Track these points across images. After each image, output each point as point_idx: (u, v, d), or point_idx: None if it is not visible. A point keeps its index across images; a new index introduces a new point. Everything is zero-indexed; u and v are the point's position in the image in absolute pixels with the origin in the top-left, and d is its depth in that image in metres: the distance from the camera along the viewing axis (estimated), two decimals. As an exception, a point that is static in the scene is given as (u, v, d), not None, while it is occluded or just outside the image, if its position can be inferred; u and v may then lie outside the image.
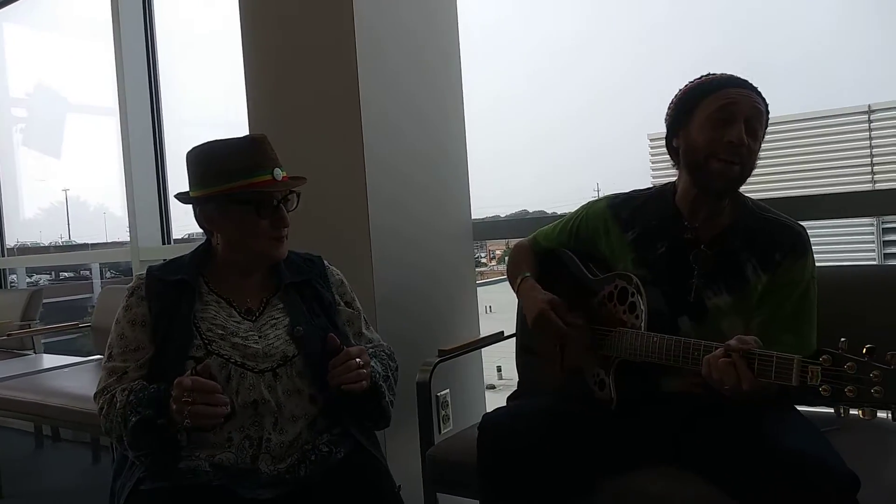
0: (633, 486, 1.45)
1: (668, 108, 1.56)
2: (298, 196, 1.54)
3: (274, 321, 1.49)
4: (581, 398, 1.56)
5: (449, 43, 2.46)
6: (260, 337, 1.45)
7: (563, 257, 1.75)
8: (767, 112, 1.46)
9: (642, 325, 1.44)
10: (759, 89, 1.46)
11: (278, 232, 1.48)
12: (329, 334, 1.43)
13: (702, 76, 1.51)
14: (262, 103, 2.32)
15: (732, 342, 1.24)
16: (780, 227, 1.47)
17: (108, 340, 1.48)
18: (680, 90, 1.54)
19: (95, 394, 1.44)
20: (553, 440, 1.43)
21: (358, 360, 1.40)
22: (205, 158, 1.47)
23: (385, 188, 2.13)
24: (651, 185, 1.69)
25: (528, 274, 1.73)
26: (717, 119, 1.43)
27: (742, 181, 1.46)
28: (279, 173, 1.45)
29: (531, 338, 1.84)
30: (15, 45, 4.88)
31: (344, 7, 2.06)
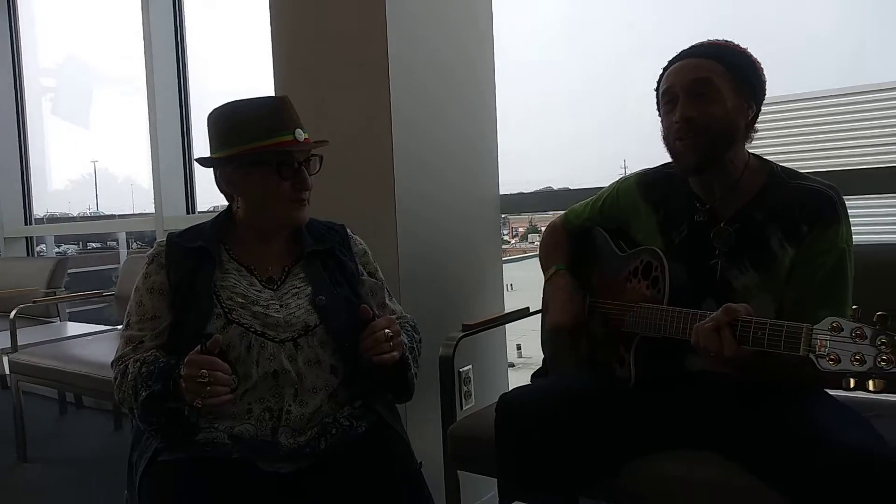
0: (658, 469, 1.40)
1: None
2: (321, 160, 1.49)
3: (296, 290, 1.45)
4: (603, 375, 1.53)
5: (481, 14, 2.39)
6: (281, 306, 1.41)
7: (595, 235, 1.70)
8: (728, 64, 1.39)
9: (664, 299, 1.39)
10: (716, 45, 1.42)
11: (299, 194, 1.44)
12: (362, 306, 1.40)
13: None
14: (288, 71, 2.27)
15: (719, 313, 1.21)
16: (808, 194, 1.37)
17: (127, 308, 1.46)
18: None
19: (112, 362, 1.43)
20: (573, 420, 1.39)
21: (387, 330, 1.36)
22: (226, 118, 1.44)
23: (411, 159, 2.08)
24: None
25: (563, 266, 1.69)
26: (665, 106, 1.44)
27: (714, 148, 1.39)
28: (301, 134, 1.42)
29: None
30: (45, 14, 4.89)
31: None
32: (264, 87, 2.35)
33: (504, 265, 2.55)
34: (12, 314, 2.99)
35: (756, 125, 1.44)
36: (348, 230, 1.62)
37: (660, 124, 1.49)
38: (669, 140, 1.44)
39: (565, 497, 1.42)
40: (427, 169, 2.14)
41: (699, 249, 1.45)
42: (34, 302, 3.32)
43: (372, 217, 2.04)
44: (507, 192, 2.51)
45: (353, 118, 2.09)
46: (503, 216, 2.61)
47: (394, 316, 1.57)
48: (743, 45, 1.43)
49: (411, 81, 2.08)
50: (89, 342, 3.06)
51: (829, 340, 1.06)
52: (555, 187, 2.75)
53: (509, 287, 2.74)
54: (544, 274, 1.75)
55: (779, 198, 1.39)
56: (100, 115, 4.97)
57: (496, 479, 1.53)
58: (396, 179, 2.02)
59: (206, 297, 1.38)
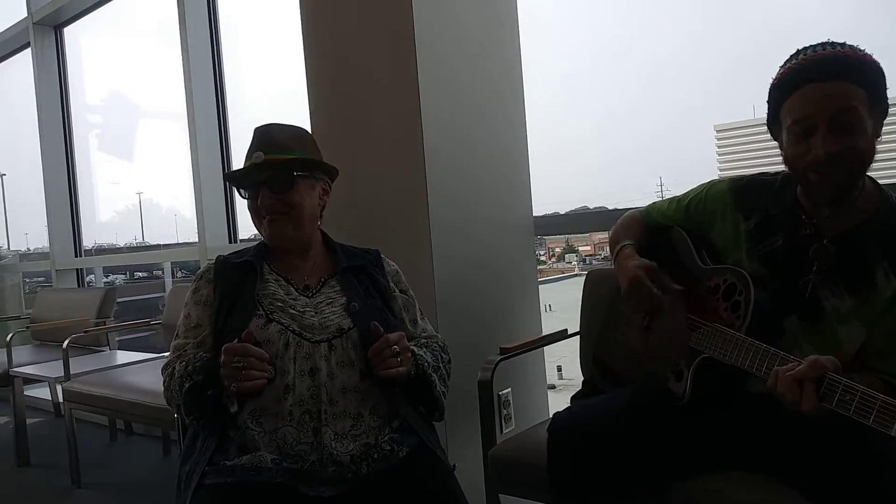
0: (711, 490, 1.39)
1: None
2: (293, 177, 1.53)
3: (330, 300, 1.53)
4: (654, 386, 1.50)
5: (509, 36, 2.43)
6: (316, 313, 1.49)
7: (675, 236, 1.64)
8: (868, 86, 1.27)
9: (743, 327, 1.35)
10: (853, 59, 1.28)
11: (260, 212, 1.54)
12: (373, 322, 1.45)
13: (787, 62, 1.36)
14: (323, 101, 2.34)
15: (805, 366, 1.15)
16: None
17: (178, 322, 1.57)
18: (772, 80, 1.38)
19: (161, 369, 1.53)
20: (626, 440, 1.39)
21: (395, 347, 1.41)
22: None
23: (445, 183, 2.11)
24: (778, 171, 1.49)
25: (628, 242, 1.62)
26: (796, 133, 1.31)
27: (853, 180, 1.30)
28: (259, 156, 1.51)
29: (599, 336, 1.80)
30: (91, 53, 5.08)
31: (403, 1, 2.05)
32: (301, 117, 2.41)
33: (542, 286, 2.55)
34: (65, 344, 3.07)
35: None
36: (382, 254, 1.70)
37: (777, 136, 1.39)
38: (799, 169, 1.33)
39: None
40: (460, 194, 2.17)
41: (792, 263, 1.38)
42: (85, 331, 3.43)
43: (407, 244, 2.08)
44: (542, 214, 2.53)
45: (385, 148, 2.14)
46: (539, 237, 2.61)
47: (424, 334, 1.63)
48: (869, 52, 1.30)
49: (441, 109, 2.12)
50: (139, 370, 3.12)
51: None
52: (590, 207, 2.75)
53: (548, 308, 2.74)
54: (612, 255, 1.68)
55: (891, 227, 1.32)
56: (143, 149, 5.12)
57: (547, 503, 1.53)
58: (430, 206, 2.05)
59: (249, 303, 1.48)
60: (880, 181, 1.40)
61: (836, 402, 1.10)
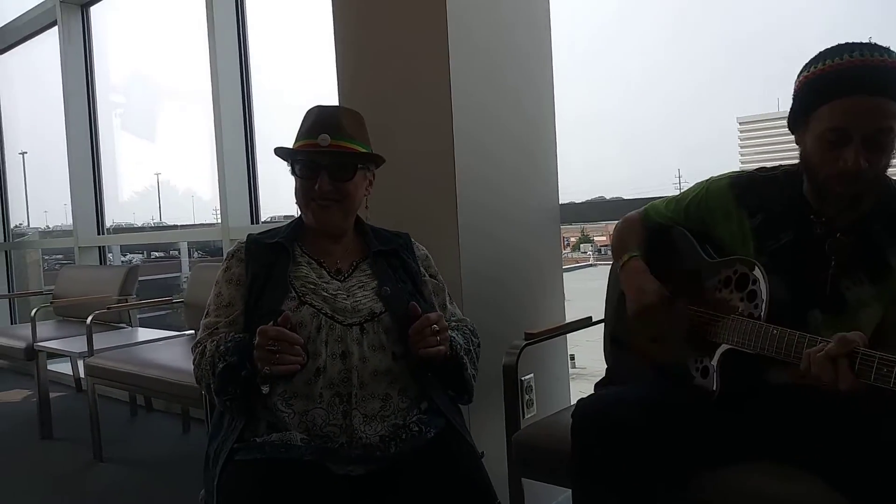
0: (734, 482, 1.39)
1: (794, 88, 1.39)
2: (356, 168, 1.54)
3: (362, 284, 1.54)
4: (679, 384, 1.50)
5: (540, 25, 2.41)
6: (348, 296, 1.50)
7: (676, 234, 1.62)
8: None
9: (762, 314, 1.35)
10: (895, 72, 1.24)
11: (311, 194, 1.53)
12: (411, 303, 1.45)
13: (825, 59, 1.29)
14: (353, 86, 2.34)
15: (833, 344, 1.15)
16: None
17: (208, 300, 1.58)
18: (801, 73, 1.34)
19: (192, 347, 1.54)
20: (653, 430, 1.38)
21: (435, 326, 1.42)
22: None
23: (473, 170, 2.11)
24: (778, 165, 1.51)
25: (636, 254, 1.62)
26: (828, 141, 1.28)
27: (873, 187, 1.31)
28: (325, 139, 1.48)
29: (622, 326, 1.80)
30: (117, 33, 5.10)
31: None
32: (329, 98, 2.42)
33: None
34: (88, 319, 3.11)
35: None
36: (412, 238, 1.70)
37: (799, 134, 1.37)
38: (821, 175, 1.32)
39: None
40: (488, 180, 2.17)
41: (806, 259, 1.39)
42: (108, 308, 3.47)
43: (435, 228, 2.08)
44: (561, 202, 2.52)
45: (417, 133, 2.14)
46: (558, 226, 2.61)
47: (453, 318, 1.64)
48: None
49: (473, 94, 2.11)
50: (162, 347, 3.17)
51: None
52: (607, 197, 2.75)
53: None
54: (616, 261, 1.69)
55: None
56: (163, 130, 5.16)
57: (569, 488, 1.53)
58: (459, 191, 2.06)
59: (281, 284, 1.49)
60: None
61: (874, 376, 1.10)
